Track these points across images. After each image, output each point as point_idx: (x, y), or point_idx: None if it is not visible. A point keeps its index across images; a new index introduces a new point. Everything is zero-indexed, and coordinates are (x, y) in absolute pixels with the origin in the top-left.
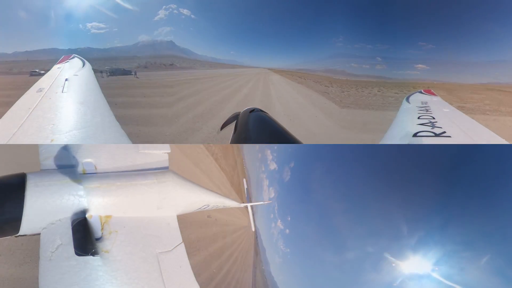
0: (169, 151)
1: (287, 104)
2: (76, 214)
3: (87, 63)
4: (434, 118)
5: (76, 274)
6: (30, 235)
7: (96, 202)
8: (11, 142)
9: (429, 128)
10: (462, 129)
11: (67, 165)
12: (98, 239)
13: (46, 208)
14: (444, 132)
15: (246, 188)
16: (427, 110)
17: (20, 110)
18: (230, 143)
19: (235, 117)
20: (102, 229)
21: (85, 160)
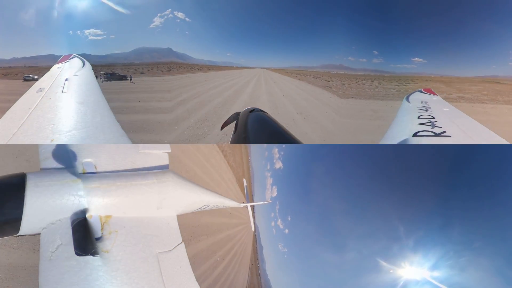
0: (169, 151)
1: (295, 102)
2: (76, 214)
3: (87, 63)
4: (434, 118)
5: (76, 274)
6: (30, 235)
7: (96, 202)
8: (11, 142)
9: (429, 128)
10: (462, 129)
11: (67, 165)
12: (98, 239)
13: (46, 208)
14: (444, 132)
15: (246, 188)
16: (427, 110)
17: (20, 110)
18: (230, 143)
19: (235, 117)
20: (102, 229)
21: (85, 160)
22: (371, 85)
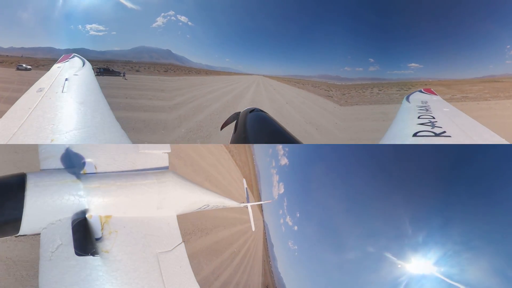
0: (169, 151)
1: (301, 110)
2: (76, 214)
3: (87, 63)
4: (434, 118)
5: (76, 274)
6: (30, 235)
7: (96, 202)
8: (11, 142)
9: (429, 128)
10: (462, 129)
11: (67, 165)
12: (98, 239)
13: (46, 208)
14: (444, 132)
15: (246, 188)
16: (427, 110)
17: (20, 110)
18: (230, 143)
19: (235, 117)
20: (102, 229)
21: (85, 160)
22: (371, 92)
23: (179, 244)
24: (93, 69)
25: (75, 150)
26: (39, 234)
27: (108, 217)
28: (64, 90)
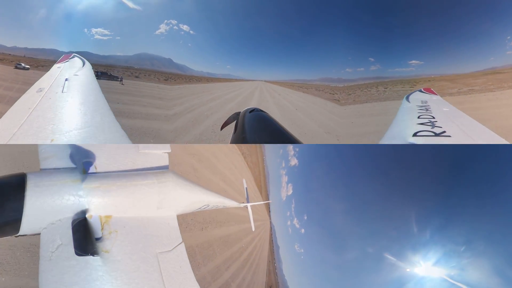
0: (169, 151)
1: (314, 117)
2: (76, 214)
3: (87, 63)
4: (434, 118)
5: (76, 274)
6: (30, 235)
7: (96, 202)
8: (11, 142)
9: (429, 128)
10: (462, 128)
11: (67, 165)
12: (98, 239)
13: (46, 208)
14: (444, 131)
15: (246, 188)
16: (427, 110)
17: (20, 110)
18: (230, 143)
19: (235, 117)
20: (102, 229)
21: (85, 160)
22: (377, 90)
23: (179, 244)
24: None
25: (75, 150)
26: (39, 234)
27: (108, 217)
28: (64, 90)
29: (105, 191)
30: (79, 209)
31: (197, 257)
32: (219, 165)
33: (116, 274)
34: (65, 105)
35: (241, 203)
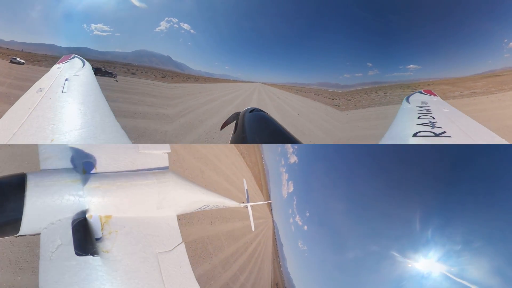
0: (169, 151)
1: (317, 123)
2: (76, 214)
3: (87, 63)
4: (434, 118)
5: (76, 274)
6: (30, 235)
7: (96, 202)
8: (11, 142)
9: (429, 128)
10: (462, 129)
11: (67, 165)
12: (98, 239)
13: (46, 208)
14: (444, 132)
15: (246, 189)
16: (427, 110)
17: (20, 110)
18: (230, 143)
19: (235, 117)
20: (102, 229)
21: (85, 160)
22: (377, 95)
23: (179, 244)
24: None
25: (75, 150)
26: (39, 234)
27: (108, 217)
28: (64, 90)
29: (105, 191)
30: (79, 209)
31: (208, 247)
32: (222, 166)
33: (116, 274)
34: (65, 105)
35: (241, 203)
